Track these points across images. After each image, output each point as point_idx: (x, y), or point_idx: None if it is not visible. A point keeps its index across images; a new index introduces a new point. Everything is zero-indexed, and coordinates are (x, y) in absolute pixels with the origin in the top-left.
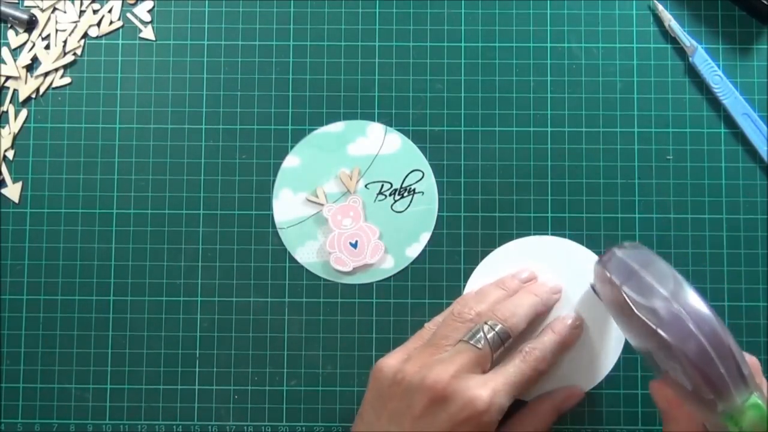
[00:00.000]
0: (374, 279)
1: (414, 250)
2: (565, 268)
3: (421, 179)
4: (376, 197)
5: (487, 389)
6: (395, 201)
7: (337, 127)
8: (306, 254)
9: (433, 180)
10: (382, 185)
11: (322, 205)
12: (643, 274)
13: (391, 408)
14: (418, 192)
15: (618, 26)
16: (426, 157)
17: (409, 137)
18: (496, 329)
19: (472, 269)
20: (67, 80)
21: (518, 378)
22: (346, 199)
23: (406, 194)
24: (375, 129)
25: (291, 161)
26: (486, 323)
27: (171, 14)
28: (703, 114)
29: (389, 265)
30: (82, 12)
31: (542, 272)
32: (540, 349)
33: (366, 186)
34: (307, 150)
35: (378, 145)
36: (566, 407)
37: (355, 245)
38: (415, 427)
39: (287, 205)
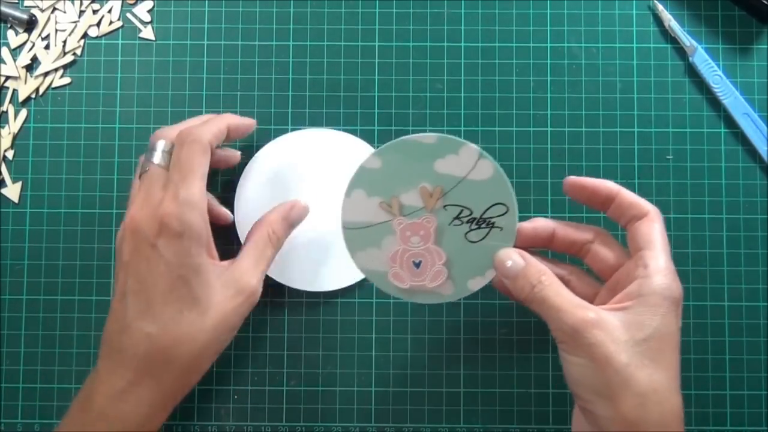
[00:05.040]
0: (429, 301)
1: (476, 284)
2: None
3: (503, 214)
4: (452, 221)
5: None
6: (471, 230)
7: (429, 138)
8: (364, 260)
9: (516, 218)
10: (462, 210)
11: (395, 216)
12: None
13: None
14: (497, 227)
15: (618, 26)
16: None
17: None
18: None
19: None
20: (66, 80)
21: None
22: (419, 216)
23: (484, 225)
24: (468, 151)
25: (372, 162)
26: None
27: (171, 14)
28: (703, 114)
29: (448, 292)
30: (81, 12)
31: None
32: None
33: (444, 207)
34: (393, 155)
35: (468, 168)
36: (295, 219)
37: (418, 265)
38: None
39: (358, 206)
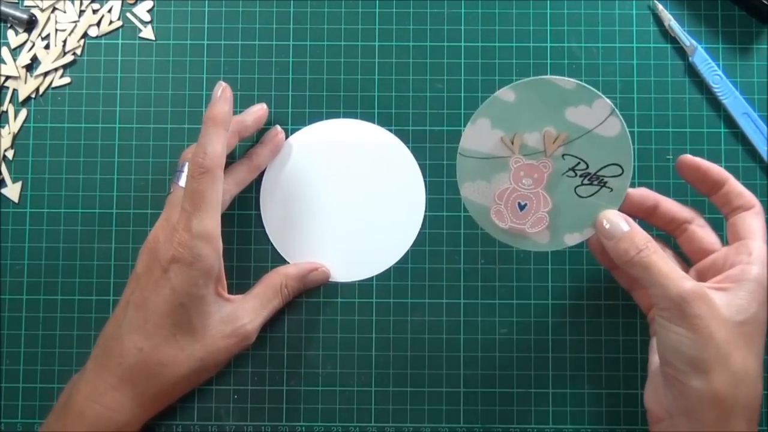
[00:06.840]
0: (523, 247)
1: (572, 239)
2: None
3: (618, 176)
4: (566, 171)
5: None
6: (582, 184)
7: (568, 83)
8: (471, 191)
9: (628, 182)
10: (578, 163)
11: (513, 153)
12: None
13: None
14: (608, 187)
15: (618, 26)
16: (426, 157)
17: (408, 137)
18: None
19: (472, 269)
20: (66, 80)
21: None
22: (537, 159)
23: (596, 183)
24: (602, 104)
25: (506, 95)
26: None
27: (171, 14)
28: (703, 114)
29: (544, 241)
30: (81, 12)
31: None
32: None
33: (563, 156)
34: (528, 92)
35: (596, 122)
36: (311, 282)
37: (522, 207)
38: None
39: (479, 136)
